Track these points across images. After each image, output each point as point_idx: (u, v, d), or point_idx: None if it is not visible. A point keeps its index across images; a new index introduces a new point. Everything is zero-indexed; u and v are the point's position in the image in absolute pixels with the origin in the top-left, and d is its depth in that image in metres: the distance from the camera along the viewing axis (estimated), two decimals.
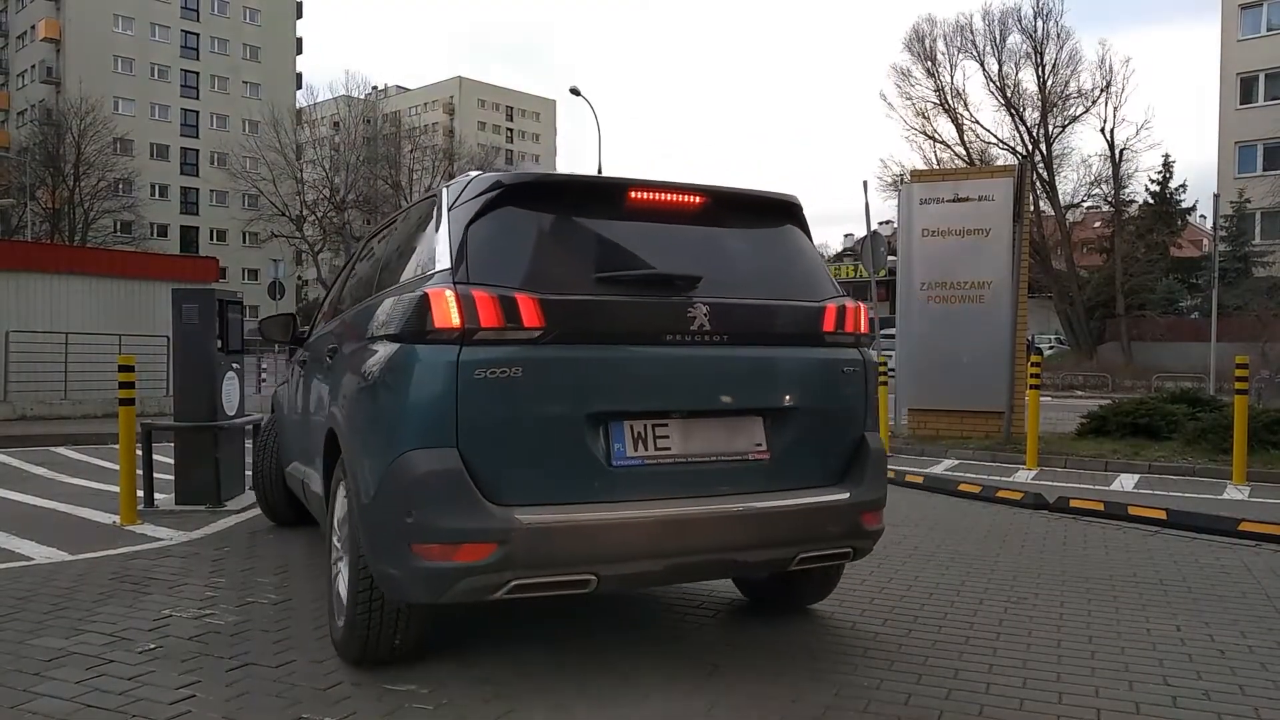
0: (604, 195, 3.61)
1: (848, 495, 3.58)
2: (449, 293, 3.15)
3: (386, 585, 3.30)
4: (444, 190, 3.68)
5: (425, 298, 3.19)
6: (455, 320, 3.13)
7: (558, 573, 3.17)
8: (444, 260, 3.32)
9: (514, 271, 3.26)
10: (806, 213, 3.96)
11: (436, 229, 3.52)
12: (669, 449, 3.35)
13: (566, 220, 3.52)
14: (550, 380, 3.20)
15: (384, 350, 3.38)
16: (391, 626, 3.45)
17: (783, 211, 3.93)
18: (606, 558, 3.20)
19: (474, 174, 3.62)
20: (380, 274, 4.23)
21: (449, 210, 3.50)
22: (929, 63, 37.90)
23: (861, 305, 3.88)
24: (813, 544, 3.56)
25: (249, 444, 7.71)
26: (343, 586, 3.63)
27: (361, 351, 3.66)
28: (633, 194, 3.56)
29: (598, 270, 3.38)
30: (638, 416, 3.32)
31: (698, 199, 3.67)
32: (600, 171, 29.02)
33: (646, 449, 3.32)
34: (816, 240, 4.11)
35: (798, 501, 3.50)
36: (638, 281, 3.40)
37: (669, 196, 3.63)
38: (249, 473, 7.69)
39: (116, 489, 6.76)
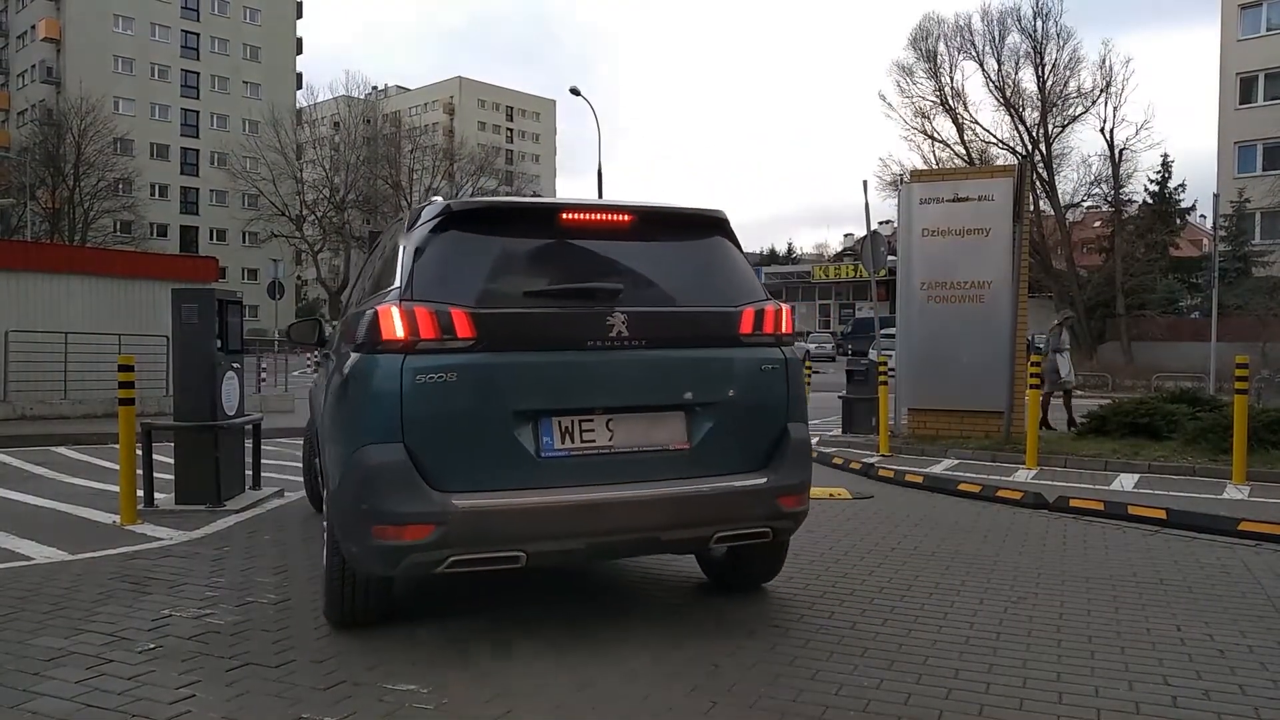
0: (540, 217, 4.07)
1: (765, 480, 3.92)
2: (395, 309, 3.60)
3: (351, 560, 3.80)
4: (408, 213, 4.19)
5: (376, 314, 3.65)
6: (400, 333, 3.58)
7: (490, 550, 3.61)
8: (399, 279, 3.77)
9: (453, 288, 3.69)
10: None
11: (399, 249, 3.97)
12: (594, 441, 3.75)
13: (505, 240, 3.94)
14: (482, 383, 3.61)
15: (350, 358, 3.81)
16: (363, 594, 3.97)
17: (710, 225, 4.29)
18: (533, 537, 3.63)
19: (435, 200, 4.06)
20: (366, 286, 4.67)
21: (407, 232, 3.98)
22: (929, 62, 37.91)
23: (784, 308, 4.20)
24: (729, 524, 3.92)
25: (249, 444, 7.73)
26: (325, 561, 4.09)
27: (339, 358, 4.11)
28: (565, 215, 3.97)
29: (527, 285, 3.83)
30: (564, 413, 3.73)
31: (626, 218, 4.05)
32: (600, 172, 28.95)
33: (573, 442, 3.72)
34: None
35: (714, 486, 3.85)
36: (562, 294, 3.81)
37: (599, 216, 4.04)
38: (249, 472, 7.71)
39: (116, 489, 6.76)
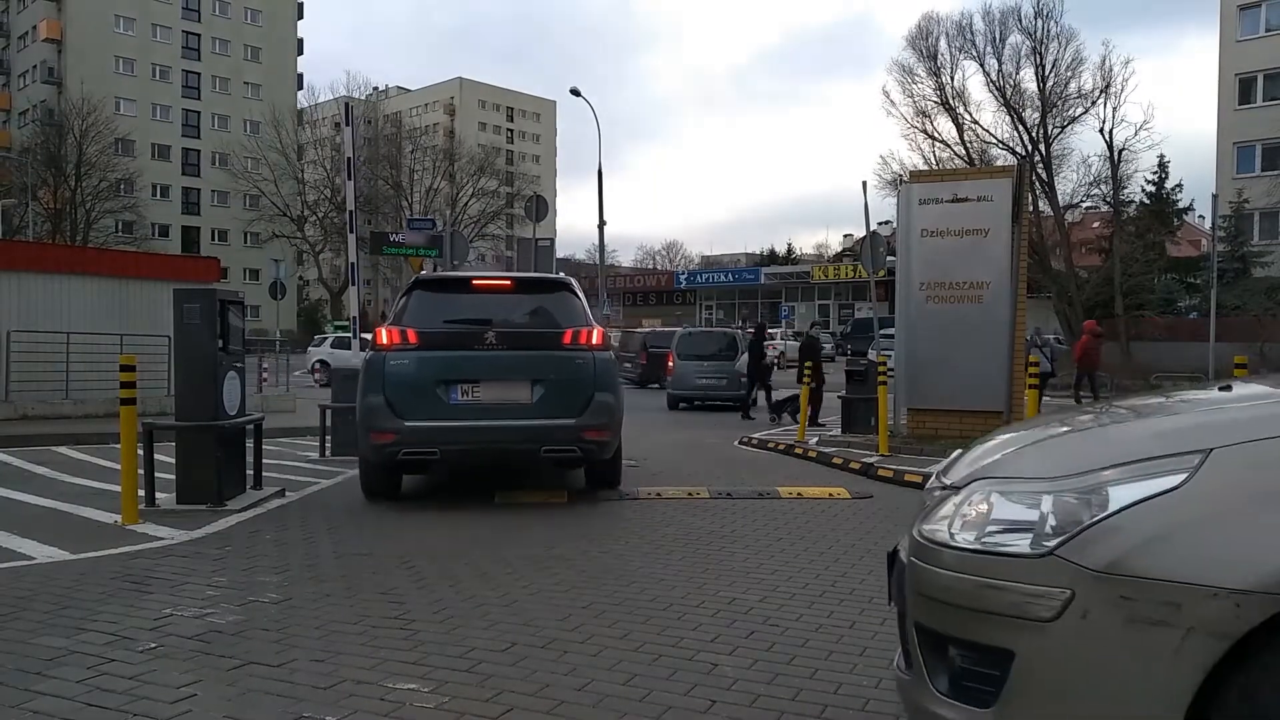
0: (462, 282, 7.92)
1: (575, 421, 6.97)
2: (384, 330, 7.14)
3: (361, 452, 7.41)
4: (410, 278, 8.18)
5: (376, 331, 7.24)
6: (385, 342, 7.07)
7: (421, 447, 6.88)
8: (393, 313, 7.31)
9: (413, 319, 7.15)
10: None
11: (399, 296, 7.63)
12: (479, 396, 7.03)
13: (441, 294, 7.57)
14: (421, 366, 7.00)
15: (368, 354, 7.37)
16: (379, 476, 7.41)
17: (560, 285, 7.77)
18: (443, 443, 6.91)
19: (421, 272, 7.46)
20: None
21: (404, 288, 7.44)
22: (930, 61, 37.74)
23: (597, 329, 7.30)
24: (551, 444, 6.99)
25: (250, 443, 7.74)
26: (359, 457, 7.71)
27: (367, 354, 7.52)
28: (474, 281, 7.86)
29: (446, 317, 7.28)
30: (463, 382, 7.01)
31: (508, 282, 7.84)
32: (600, 172, 29.35)
33: (467, 397, 7.01)
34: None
35: (543, 422, 6.95)
36: (462, 322, 7.24)
37: (492, 282, 7.87)
38: (250, 472, 7.72)
39: (118, 488, 6.77)
